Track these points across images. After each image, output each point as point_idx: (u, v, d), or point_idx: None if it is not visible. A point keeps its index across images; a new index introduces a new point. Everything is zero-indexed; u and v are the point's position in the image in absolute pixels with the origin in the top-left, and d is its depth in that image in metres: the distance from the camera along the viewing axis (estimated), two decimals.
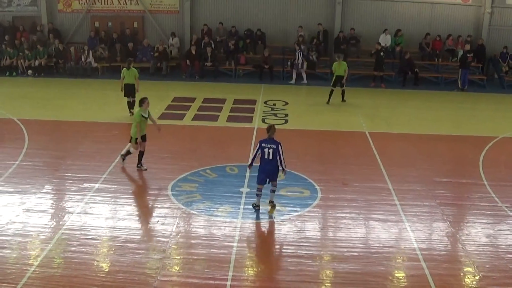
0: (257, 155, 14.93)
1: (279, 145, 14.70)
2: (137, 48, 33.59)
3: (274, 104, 26.62)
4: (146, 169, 17.79)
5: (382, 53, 31.35)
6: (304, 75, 31.89)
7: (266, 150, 14.65)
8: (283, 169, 14.87)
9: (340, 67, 26.88)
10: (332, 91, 26.95)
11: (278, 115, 24.88)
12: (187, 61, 32.33)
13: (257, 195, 15.21)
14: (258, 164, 15.07)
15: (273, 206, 15.25)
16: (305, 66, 32.01)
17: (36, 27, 34.48)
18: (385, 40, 32.89)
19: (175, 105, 26.21)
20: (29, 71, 32.40)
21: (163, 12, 34.83)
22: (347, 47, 33.17)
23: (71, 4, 34.77)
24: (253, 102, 27.12)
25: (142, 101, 17.59)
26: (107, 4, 34.67)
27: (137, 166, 17.90)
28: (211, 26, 34.06)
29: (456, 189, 17.50)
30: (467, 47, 31.33)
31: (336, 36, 33.41)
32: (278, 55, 33.52)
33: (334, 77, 27.07)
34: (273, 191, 15.26)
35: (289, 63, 32.68)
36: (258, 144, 14.84)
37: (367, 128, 22.97)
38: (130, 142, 17.84)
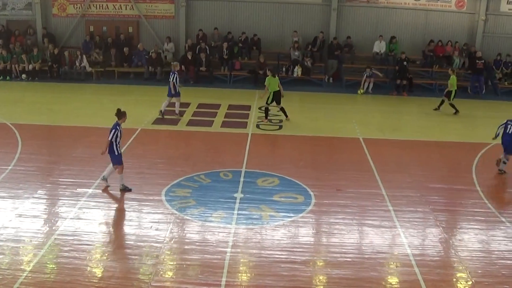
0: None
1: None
2: (133, 52, 33.54)
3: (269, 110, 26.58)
4: None
5: (405, 62, 31.40)
6: None
7: (509, 126, 19.05)
8: None
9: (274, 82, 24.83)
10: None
11: (272, 121, 24.89)
12: (182, 66, 32.27)
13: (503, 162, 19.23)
14: None
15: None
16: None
17: (30, 31, 34.46)
18: (380, 46, 33.00)
19: (169, 110, 26.10)
20: (23, 75, 32.33)
21: (158, 17, 34.84)
22: (341, 53, 33.27)
23: (66, 8, 34.74)
24: (248, 108, 27.12)
25: None
26: (102, 8, 34.66)
27: None
28: (206, 31, 34.11)
29: (449, 195, 17.53)
30: (479, 53, 31.66)
31: (330, 42, 33.47)
32: (273, 61, 33.51)
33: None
34: (504, 162, 19.20)
35: (284, 69, 32.87)
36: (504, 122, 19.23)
37: (361, 135, 22.99)
38: None
